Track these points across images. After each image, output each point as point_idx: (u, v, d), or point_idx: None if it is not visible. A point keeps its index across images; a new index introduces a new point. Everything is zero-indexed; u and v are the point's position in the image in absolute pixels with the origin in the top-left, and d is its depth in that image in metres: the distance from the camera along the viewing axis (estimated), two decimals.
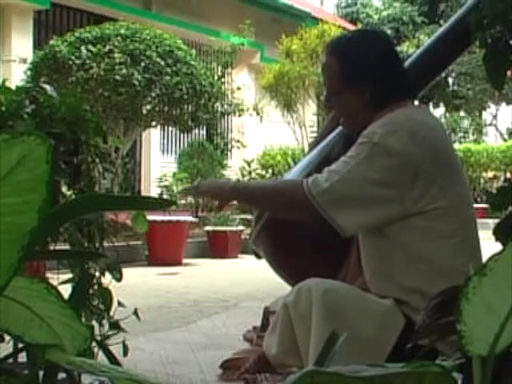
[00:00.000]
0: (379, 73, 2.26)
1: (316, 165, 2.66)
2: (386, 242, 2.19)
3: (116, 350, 1.83)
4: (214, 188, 2.42)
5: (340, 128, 2.68)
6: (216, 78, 11.95)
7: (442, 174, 2.17)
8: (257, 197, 2.34)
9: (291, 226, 2.60)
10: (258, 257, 2.83)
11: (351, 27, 16.09)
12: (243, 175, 12.70)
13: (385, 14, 22.28)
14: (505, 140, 21.80)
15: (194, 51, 10.05)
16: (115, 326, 2.23)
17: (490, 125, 23.70)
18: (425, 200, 2.13)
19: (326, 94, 2.40)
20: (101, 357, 1.72)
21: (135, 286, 5.68)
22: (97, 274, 2.21)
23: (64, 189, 2.23)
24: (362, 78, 2.26)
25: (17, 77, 9.38)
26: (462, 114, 22.86)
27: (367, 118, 2.26)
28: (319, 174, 2.18)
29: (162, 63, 9.02)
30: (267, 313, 3.05)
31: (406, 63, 2.88)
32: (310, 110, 12.90)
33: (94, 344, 1.77)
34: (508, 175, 17.89)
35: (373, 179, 2.11)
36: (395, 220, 2.15)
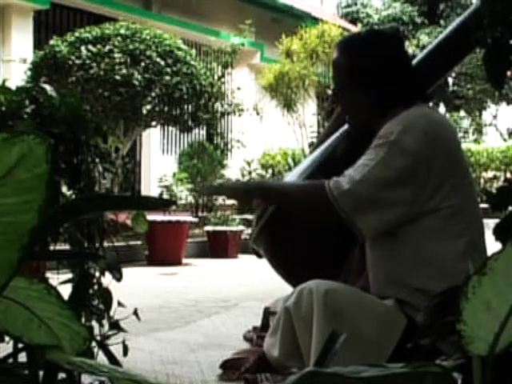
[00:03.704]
0: (386, 78, 2.27)
1: (318, 165, 2.65)
2: (396, 243, 2.19)
3: (116, 350, 1.84)
4: (238, 185, 2.53)
5: (343, 128, 2.67)
6: (216, 78, 11.94)
7: (453, 173, 2.18)
8: (282, 196, 2.37)
9: (292, 226, 2.59)
10: (259, 256, 2.82)
11: (351, 27, 16.08)
12: (243, 175, 12.69)
13: (385, 14, 22.27)
14: (505, 140, 21.79)
15: (193, 51, 10.05)
16: (115, 326, 2.23)
17: (490, 125, 23.68)
18: (437, 198, 2.14)
19: (333, 88, 2.44)
20: (101, 357, 1.72)
21: (135, 286, 5.68)
22: (97, 274, 2.20)
23: (64, 189, 2.23)
24: (368, 80, 2.27)
25: (17, 77, 9.37)
26: (462, 113, 22.86)
27: (372, 119, 2.27)
28: (341, 176, 2.17)
29: (162, 63, 9.02)
30: (267, 313, 3.05)
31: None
32: (309, 110, 12.89)
33: (94, 344, 1.77)
34: (508, 175, 17.86)
35: (390, 180, 2.12)
36: (408, 221, 2.15)
